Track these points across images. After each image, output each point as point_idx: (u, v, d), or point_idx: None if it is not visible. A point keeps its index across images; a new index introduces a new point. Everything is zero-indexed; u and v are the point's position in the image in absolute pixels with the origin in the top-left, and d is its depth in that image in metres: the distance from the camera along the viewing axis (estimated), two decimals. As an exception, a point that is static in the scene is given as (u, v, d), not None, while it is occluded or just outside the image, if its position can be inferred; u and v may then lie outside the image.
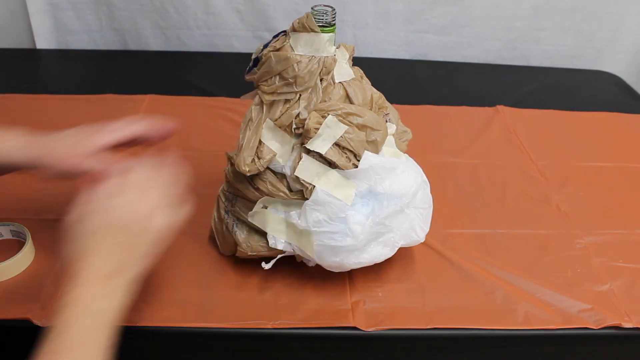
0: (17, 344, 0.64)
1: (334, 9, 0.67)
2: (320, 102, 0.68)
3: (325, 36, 0.66)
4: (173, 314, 0.69)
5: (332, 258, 0.69)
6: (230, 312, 0.70)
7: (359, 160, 0.67)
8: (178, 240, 0.79)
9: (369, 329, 0.70)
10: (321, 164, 0.67)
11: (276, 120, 0.68)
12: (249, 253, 0.72)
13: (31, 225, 0.77)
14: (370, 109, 0.70)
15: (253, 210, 0.71)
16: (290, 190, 0.69)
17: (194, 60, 1.36)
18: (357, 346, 0.72)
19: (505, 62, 1.47)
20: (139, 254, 0.55)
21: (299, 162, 0.67)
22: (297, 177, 0.67)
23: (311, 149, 0.67)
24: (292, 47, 0.67)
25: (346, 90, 0.69)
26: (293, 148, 0.69)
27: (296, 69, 0.66)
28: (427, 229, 0.75)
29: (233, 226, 0.73)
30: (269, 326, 0.69)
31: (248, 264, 0.75)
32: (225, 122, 1.08)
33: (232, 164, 0.73)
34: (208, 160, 0.96)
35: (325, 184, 0.67)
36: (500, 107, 1.20)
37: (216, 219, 0.76)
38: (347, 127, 0.67)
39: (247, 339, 0.70)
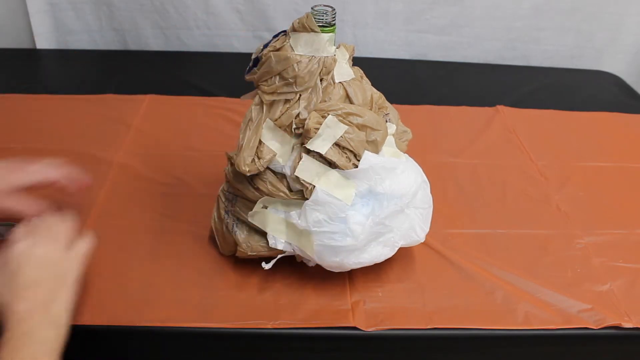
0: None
1: (334, 9, 0.67)
2: (320, 102, 0.68)
3: (325, 36, 0.66)
4: (173, 314, 0.69)
5: (332, 258, 0.69)
6: (230, 312, 0.70)
7: (359, 160, 0.67)
8: (178, 240, 0.80)
9: (369, 329, 0.70)
10: (321, 164, 0.67)
11: (276, 120, 0.68)
12: (249, 253, 0.72)
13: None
14: (370, 109, 0.70)
15: (253, 210, 0.71)
16: (290, 190, 0.69)
17: (194, 60, 1.36)
18: (357, 346, 0.72)
19: (505, 62, 1.47)
20: (65, 283, 0.61)
21: (299, 162, 0.67)
22: (297, 177, 0.67)
23: (311, 149, 0.67)
24: (292, 47, 0.67)
25: (346, 90, 0.69)
26: (293, 148, 0.69)
27: (296, 69, 0.66)
28: (427, 229, 0.75)
29: (233, 226, 0.73)
30: (269, 326, 0.69)
31: (248, 264, 0.75)
32: (225, 122, 1.08)
33: (232, 164, 0.73)
34: (208, 160, 0.96)
35: (325, 184, 0.67)
36: (500, 107, 1.20)
37: (216, 219, 0.77)
38: (347, 127, 0.67)
39: (247, 339, 0.70)
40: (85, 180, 0.74)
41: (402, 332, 0.71)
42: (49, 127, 1.03)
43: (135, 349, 0.73)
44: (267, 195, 0.70)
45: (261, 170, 0.68)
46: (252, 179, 0.70)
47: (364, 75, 0.73)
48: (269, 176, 0.70)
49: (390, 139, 0.73)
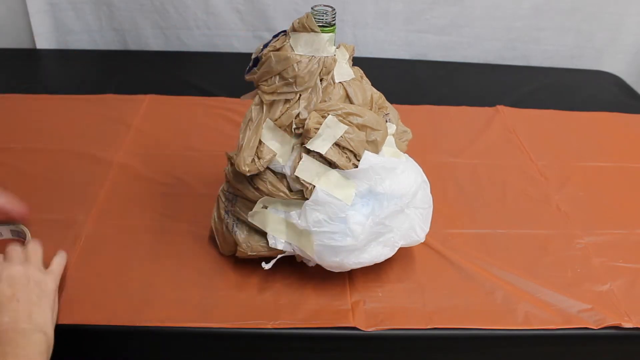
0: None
1: (334, 9, 0.67)
2: (320, 102, 0.68)
3: (325, 36, 0.66)
4: (173, 314, 0.69)
5: (332, 258, 0.69)
6: (230, 312, 0.70)
7: (359, 160, 0.67)
8: (178, 240, 0.80)
9: (369, 329, 0.70)
10: (321, 164, 0.67)
11: (276, 120, 0.68)
12: (249, 253, 0.72)
13: (31, 224, 0.77)
14: (370, 109, 0.70)
15: (253, 210, 0.71)
16: (290, 190, 0.69)
17: (194, 60, 1.36)
18: (357, 346, 0.72)
19: (505, 62, 1.47)
20: (44, 295, 0.64)
21: (299, 162, 0.67)
22: (297, 177, 0.67)
23: (311, 149, 0.67)
24: (292, 47, 0.67)
25: (346, 90, 0.69)
26: (293, 148, 0.69)
27: (296, 69, 0.66)
28: (427, 229, 0.75)
29: (233, 226, 0.73)
30: (269, 326, 0.69)
31: (248, 264, 0.75)
32: (225, 122, 1.08)
33: (232, 164, 0.73)
34: (208, 160, 0.96)
35: (325, 184, 0.67)
36: (500, 107, 1.20)
37: (216, 219, 0.77)
38: (347, 127, 0.67)
39: (247, 339, 0.70)
40: (24, 209, 0.77)
41: (402, 332, 0.71)
42: (49, 127, 1.03)
43: (135, 349, 0.73)
44: (267, 195, 0.70)
45: (261, 170, 0.68)
46: (252, 179, 0.70)
47: (364, 75, 0.73)
48: (269, 176, 0.70)
49: (390, 139, 0.73)
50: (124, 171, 0.93)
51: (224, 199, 0.76)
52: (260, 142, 0.68)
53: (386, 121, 0.73)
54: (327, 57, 0.67)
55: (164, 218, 0.84)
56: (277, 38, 0.68)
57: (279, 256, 0.71)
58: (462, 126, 1.13)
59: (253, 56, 0.70)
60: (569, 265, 0.81)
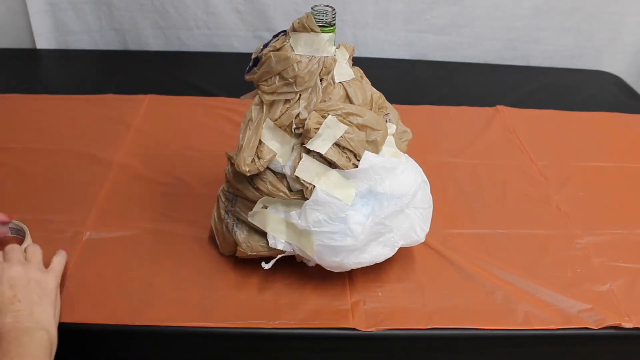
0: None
1: (334, 9, 0.67)
2: (320, 102, 0.68)
3: (325, 36, 0.66)
4: (173, 314, 0.69)
5: (332, 258, 0.69)
6: (230, 312, 0.70)
7: (359, 160, 0.67)
8: (178, 240, 0.80)
9: (369, 329, 0.70)
10: (321, 164, 0.67)
11: (276, 120, 0.68)
12: (249, 253, 0.72)
13: (31, 224, 0.77)
14: (370, 109, 0.70)
15: (253, 210, 0.71)
16: (290, 190, 0.69)
17: (194, 60, 1.36)
18: (357, 346, 0.72)
19: (505, 62, 1.47)
20: (45, 294, 0.65)
21: (299, 162, 0.67)
22: (297, 177, 0.67)
23: (311, 149, 0.67)
24: (292, 47, 0.67)
25: (346, 90, 0.69)
26: (293, 148, 0.69)
27: (296, 69, 0.66)
28: (427, 229, 0.75)
29: (233, 226, 0.73)
30: (269, 326, 0.69)
31: (248, 264, 0.75)
32: (225, 122, 1.08)
33: (232, 164, 0.73)
34: (208, 160, 0.96)
35: (325, 184, 0.67)
36: (500, 107, 1.20)
37: (216, 219, 0.77)
38: (347, 127, 0.67)
39: (247, 339, 0.70)
40: (6, 217, 0.78)
41: (402, 332, 0.71)
42: (49, 127, 1.03)
43: (135, 349, 0.73)
44: (267, 195, 0.70)
45: (261, 170, 0.68)
46: (252, 179, 0.70)
47: (364, 75, 0.73)
48: (269, 176, 0.70)
49: (390, 139, 0.73)
50: (124, 171, 0.93)
51: (224, 199, 0.76)
52: (260, 142, 0.68)
53: (386, 121, 0.73)
54: (327, 57, 0.67)
55: (164, 218, 0.84)
56: (277, 38, 0.68)
57: (279, 256, 0.71)
58: (462, 126, 1.13)
59: (253, 56, 0.70)
60: (569, 265, 0.81)
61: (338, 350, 0.72)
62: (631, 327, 0.72)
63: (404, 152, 0.75)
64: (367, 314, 0.71)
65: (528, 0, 1.39)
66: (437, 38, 1.44)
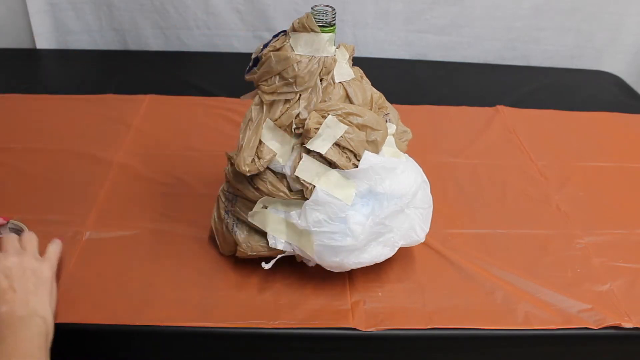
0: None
1: (334, 9, 0.67)
2: (320, 102, 0.68)
3: (325, 36, 0.66)
4: (173, 314, 0.69)
5: (332, 258, 0.69)
6: (230, 312, 0.70)
7: (359, 160, 0.67)
8: (178, 240, 0.80)
9: (369, 329, 0.70)
10: (321, 164, 0.67)
11: (276, 120, 0.68)
12: (249, 253, 0.72)
13: (31, 224, 0.78)
14: (370, 109, 0.70)
15: (253, 210, 0.71)
16: (290, 190, 0.69)
17: (194, 60, 1.36)
18: (357, 346, 0.72)
19: (505, 62, 1.47)
20: (40, 283, 0.65)
21: (299, 162, 0.67)
22: (297, 177, 0.67)
23: (311, 149, 0.67)
24: (292, 47, 0.67)
25: (346, 90, 0.69)
26: (293, 148, 0.69)
27: (296, 69, 0.66)
28: (427, 229, 0.75)
29: (233, 226, 0.73)
30: (269, 326, 0.69)
31: (248, 264, 0.75)
32: (225, 122, 1.08)
33: (232, 164, 0.73)
34: (208, 160, 0.96)
35: (325, 184, 0.67)
36: (500, 107, 1.20)
37: (216, 219, 0.77)
38: (347, 127, 0.67)
39: (247, 339, 0.70)
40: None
41: (402, 332, 0.71)
42: (49, 127, 1.03)
43: (135, 349, 0.73)
44: (267, 195, 0.70)
45: (261, 170, 0.68)
46: (252, 179, 0.70)
47: (364, 75, 0.73)
48: (269, 176, 0.70)
49: (390, 139, 0.73)
50: (124, 171, 0.93)
51: (224, 199, 0.76)
52: (260, 142, 0.68)
53: (386, 121, 0.73)
54: (327, 57, 0.67)
55: (164, 218, 0.84)
56: (277, 38, 0.68)
57: (279, 256, 0.71)
58: (462, 126, 1.13)
59: (253, 56, 0.70)
60: (569, 265, 0.81)
61: (338, 350, 0.72)
62: (631, 327, 0.72)
63: (404, 152, 0.75)
64: (367, 314, 0.71)
65: (528, 0, 1.39)
66: (437, 38, 1.44)
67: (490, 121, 1.15)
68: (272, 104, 0.68)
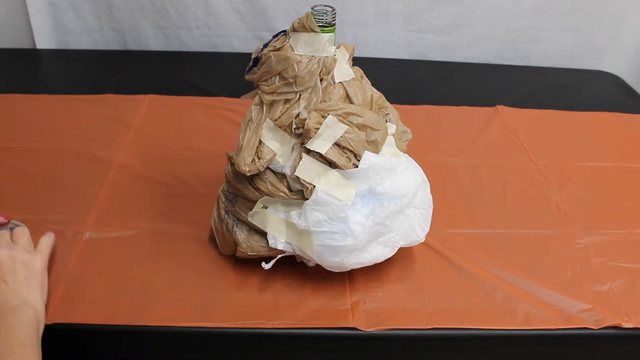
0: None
1: (334, 9, 0.67)
2: (320, 102, 0.68)
3: (325, 36, 0.66)
4: (173, 314, 0.69)
5: (332, 258, 0.69)
6: (230, 312, 0.70)
7: (359, 160, 0.67)
8: (178, 240, 0.80)
9: (369, 329, 0.70)
10: (321, 164, 0.67)
11: (276, 120, 0.68)
12: (249, 253, 0.72)
13: (31, 224, 0.77)
14: (370, 109, 0.70)
15: (253, 210, 0.71)
16: (290, 190, 0.69)
17: (194, 60, 1.36)
18: (357, 346, 0.72)
19: (505, 62, 1.47)
20: (32, 274, 0.67)
21: (299, 162, 0.67)
22: (297, 177, 0.67)
23: (311, 149, 0.67)
24: (292, 47, 0.67)
25: (346, 90, 0.69)
26: (293, 148, 0.69)
27: (296, 69, 0.66)
28: (427, 229, 0.75)
29: (233, 226, 0.73)
30: (269, 326, 0.69)
31: (248, 264, 0.75)
32: (225, 122, 1.08)
33: (232, 164, 0.73)
34: (208, 160, 0.96)
35: (326, 184, 0.67)
36: (500, 107, 1.20)
37: (216, 219, 0.77)
38: (347, 127, 0.67)
39: (247, 339, 0.70)
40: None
41: (402, 332, 0.71)
42: (49, 127, 1.03)
43: (135, 349, 0.73)
44: (267, 195, 0.70)
45: (261, 170, 0.68)
46: (252, 179, 0.70)
47: (364, 75, 0.73)
48: (269, 176, 0.70)
49: (390, 139, 0.73)
50: (124, 171, 0.93)
51: (224, 199, 0.76)
52: (260, 142, 0.68)
53: (386, 121, 0.73)
54: (327, 57, 0.67)
55: (164, 218, 0.84)
56: (277, 38, 0.68)
57: (279, 256, 0.71)
58: (462, 126, 1.13)
59: (253, 56, 0.70)
60: (569, 265, 0.81)
61: (338, 350, 0.72)
62: (631, 327, 0.72)
63: (404, 152, 0.75)
64: (367, 314, 0.71)
65: (528, 0, 1.39)
66: (437, 38, 1.44)
67: (490, 121, 1.15)
68: (272, 104, 0.68)
